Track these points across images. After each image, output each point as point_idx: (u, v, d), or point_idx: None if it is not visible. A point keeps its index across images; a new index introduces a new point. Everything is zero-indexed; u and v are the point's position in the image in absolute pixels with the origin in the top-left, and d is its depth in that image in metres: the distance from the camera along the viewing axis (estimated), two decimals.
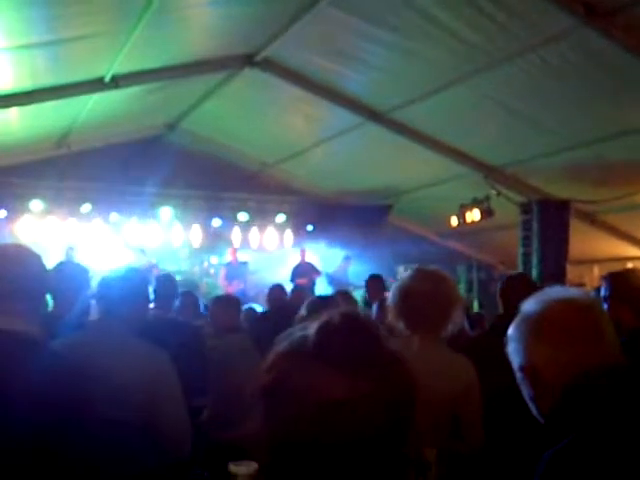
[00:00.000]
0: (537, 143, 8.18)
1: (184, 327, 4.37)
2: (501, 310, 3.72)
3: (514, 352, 1.54)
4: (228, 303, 4.86)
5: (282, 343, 0.97)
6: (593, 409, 1.36)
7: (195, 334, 4.35)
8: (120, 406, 2.42)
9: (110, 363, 2.47)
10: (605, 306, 2.99)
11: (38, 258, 2.16)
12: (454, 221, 10.29)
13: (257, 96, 8.92)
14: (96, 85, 7.39)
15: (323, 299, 3.69)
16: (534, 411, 1.53)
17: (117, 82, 7.37)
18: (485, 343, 3.08)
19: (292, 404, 0.91)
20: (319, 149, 10.16)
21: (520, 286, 3.62)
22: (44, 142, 9.70)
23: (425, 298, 2.57)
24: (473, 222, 9.96)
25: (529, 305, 1.56)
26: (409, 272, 2.76)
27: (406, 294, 2.62)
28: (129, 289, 2.76)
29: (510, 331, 1.57)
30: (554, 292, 1.57)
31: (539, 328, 1.49)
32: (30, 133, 9.00)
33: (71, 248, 9.84)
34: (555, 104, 7.21)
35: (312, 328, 0.95)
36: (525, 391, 1.53)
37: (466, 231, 10.58)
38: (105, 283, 2.79)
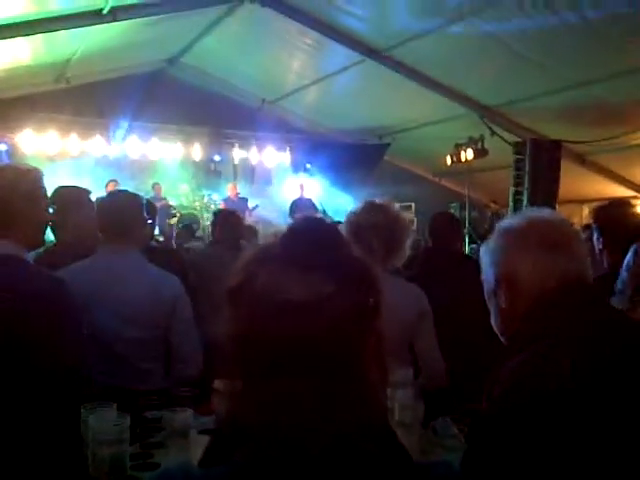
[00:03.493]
0: (534, 84, 8.28)
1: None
2: (430, 244, 4.07)
3: (491, 264, 1.53)
4: (228, 216, 4.99)
5: (250, 250, 0.98)
6: (565, 320, 1.38)
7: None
8: (135, 325, 2.54)
9: (126, 284, 2.57)
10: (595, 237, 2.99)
11: (29, 181, 2.10)
12: (449, 160, 10.51)
13: (256, 31, 8.95)
14: (94, 17, 7.29)
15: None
16: (498, 324, 1.55)
17: (115, 14, 7.29)
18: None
19: (257, 304, 0.91)
20: (318, 86, 10.24)
21: (446, 223, 4.09)
22: (42, 76, 9.71)
23: (374, 230, 2.52)
24: (467, 161, 10.17)
25: (510, 221, 1.57)
26: (360, 205, 2.68)
27: (357, 226, 2.55)
28: (133, 214, 2.73)
29: (488, 244, 1.57)
30: (532, 212, 1.61)
31: (525, 238, 1.49)
32: (28, 66, 8.98)
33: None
34: (555, 45, 7.27)
35: (279, 235, 0.97)
36: (494, 304, 1.54)
37: (460, 170, 10.78)
38: (108, 207, 2.78)
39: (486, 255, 1.56)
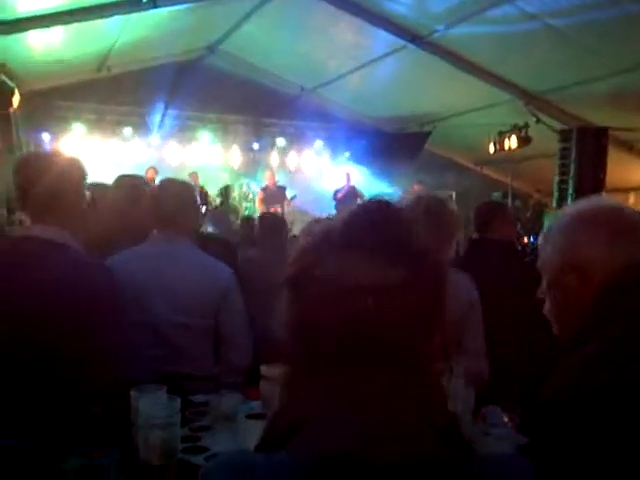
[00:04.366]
0: (581, 69, 8.05)
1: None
2: (477, 235, 3.86)
3: (556, 251, 1.47)
4: (272, 221, 4.93)
5: (304, 239, 0.93)
6: (636, 307, 1.33)
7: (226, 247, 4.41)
8: (188, 314, 2.55)
9: (178, 273, 2.58)
10: None
11: (78, 170, 2.14)
12: (491, 148, 10.31)
13: (296, 18, 8.85)
14: (134, 4, 7.29)
15: None
16: (558, 314, 1.49)
17: (155, 1, 7.26)
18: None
19: (320, 292, 0.85)
20: (358, 74, 10.13)
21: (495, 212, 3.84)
22: (84, 65, 9.78)
23: (426, 220, 2.52)
24: (510, 149, 9.96)
25: (577, 207, 1.51)
26: (410, 196, 2.66)
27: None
28: (183, 201, 2.74)
29: (552, 231, 1.51)
30: (596, 199, 1.54)
31: (595, 224, 1.43)
32: (70, 55, 9.06)
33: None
34: (603, 28, 7.04)
35: (336, 221, 0.91)
36: (556, 293, 1.48)
37: (503, 159, 10.58)
38: (161, 195, 2.77)
39: (550, 242, 1.50)
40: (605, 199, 1.57)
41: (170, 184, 3.01)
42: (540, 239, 1.55)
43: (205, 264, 2.70)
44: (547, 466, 1.22)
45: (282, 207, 11.25)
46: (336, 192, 10.95)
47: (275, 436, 0.87)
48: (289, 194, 11.61)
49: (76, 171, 2.13)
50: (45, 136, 10.51)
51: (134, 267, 2.50)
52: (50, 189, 2.03)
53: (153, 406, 1.58)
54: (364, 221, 0.89)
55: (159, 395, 1.67)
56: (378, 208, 0.92)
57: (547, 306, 1.52)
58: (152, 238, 2.71)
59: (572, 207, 1.53)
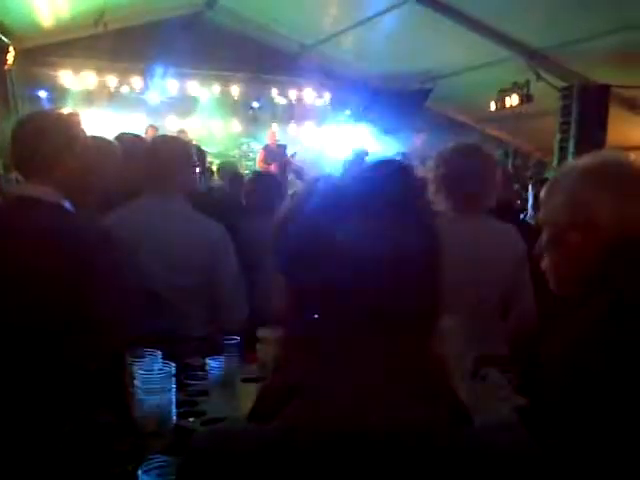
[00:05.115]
0: (584, 25, 7.88)
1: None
2: None
3: (560, 206, 1.42)
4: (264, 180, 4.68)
5: (306, 200, 0.87)
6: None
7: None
8: (181, 271, 2.53)
9: (171, 230, 2.57)
10: None
11: (74, 128, 2.08)
12: (492, 106, 10.22)
13: None
14: None
15: None
16: (560, 270, 1.46)
17: None
18: None
19: (320, 256, 0.82)
20: (358, 30, 9.98)
21: None
22: (81, 21, 9.64)
23: (470, 171, 2.48)
24: (512, 107, 9.87)
25: (583, 160, 1.46)
26: (451, 147, 2.59)
27: (450, 169, 2.50)
28: (178, 157, 2.70)
29: (556, 185, 1.47)
30: (601, 153, 1.51)
31: (603, 180, 1.39)
32: (66, 11, 8.96)
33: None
34: None
35: (345, 183, 0.88)
36: (560, 250, 1.44)
37: (504, 117, 10.48)
38: (155, 151, 2.74)
39: (553, 197, 1.45)
40: (611, 154, 1.49)
41: (165, 140, 3.00)
42: (543, 193, 1.50)
43: (197, 220, 2.69)
44: (551, 424, 1.23)
45: (282, 165, 11.19)
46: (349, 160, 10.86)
47: (269, 403, 0.87)
48: (289, 152, 11.54)
49: (72, 129, 2.08)
50: (42, 93, 10.40)
51: (128, 225, 2.47)
52: (42, 148, 2.00)
53: (148, 371, 1.60)
54: (378, 184, 0.85)
55: (155, 359, 1.68)
56: (391, 170, 0.87)
57: (546, 261, 1.49)
58: (146, 195, 2.68)
59: (577, 161, 1.48)
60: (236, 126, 12.12)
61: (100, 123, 10.01)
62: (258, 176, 5.03)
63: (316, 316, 0.84)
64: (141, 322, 2.18)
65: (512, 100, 9.78)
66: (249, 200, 4.41)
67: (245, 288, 2.73)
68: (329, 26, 10.26)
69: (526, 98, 9.59)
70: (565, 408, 1.24)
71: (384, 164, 0.88)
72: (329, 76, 12.01)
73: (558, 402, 1.25)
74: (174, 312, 2.52)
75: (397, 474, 0.78)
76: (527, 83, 9.46)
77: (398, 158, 0.93)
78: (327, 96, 12.37)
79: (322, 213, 0.85)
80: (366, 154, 10.16)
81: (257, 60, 11.10)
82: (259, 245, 3.97)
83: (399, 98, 11.43)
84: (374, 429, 0.78)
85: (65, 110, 2.17)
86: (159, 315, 2.44)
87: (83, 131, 2.12)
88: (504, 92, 9.89)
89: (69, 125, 2.09)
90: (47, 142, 2.01)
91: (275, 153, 11.41)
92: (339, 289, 0.82)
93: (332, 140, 12.16)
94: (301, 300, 0.86)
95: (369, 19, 9.48)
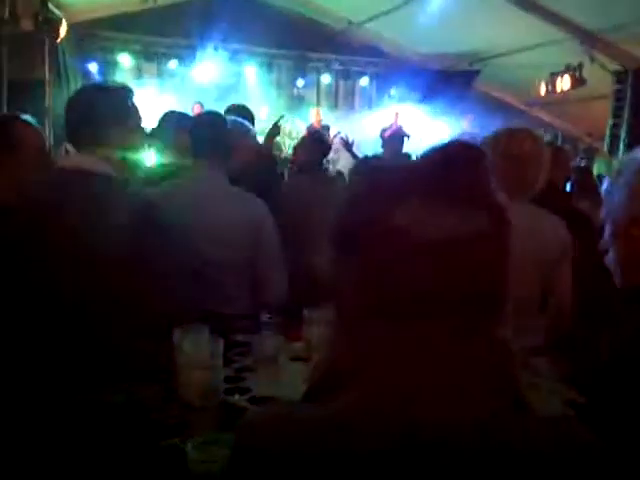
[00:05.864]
0: None
1: None
2: None
3: (623, 200, 1.38)
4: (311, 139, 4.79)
5: (358, 181, 0.88)
6: None
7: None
8: (224, 245, 2.55)
9: (214, 206, 2.59)
10: None
11: (117, 100, 2.10)
12: (543, 89, 9.98)
13: None
14: None
15: None
16: (624, 267, 1.43)
17: None
18: None
19: (387, 246, 0.79)
20: (406, 9, 9.81)
21: None
22: None
23: (521, 157, 2.41)
24: (562, 91, 9.63)
25: None
26: (501, 132, 2.52)
27: (501, 154, 2.41)
28: (215, 131, 2.72)
29: (620, 178, 1.42)
30: None
31: None
32: None
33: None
34: None
35: (404, 165, 0.86)
36: (623, 244, 1.41)
37: (554, 100, 10.25)
38: (199, 127, 2.78)
39: (617, 190, 1.40)
40: None
41: (205, 115, 3.03)
42: (606, 186, 1.47)
43: (239, 196, 2.70)
44: (613, 420, 1.19)
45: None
46: (383, 130, 10.74)
47: (321, 388, 0.85)
48: (333, 133, 11.45)
49: (111, 100, 2.09)
50: (92, 66, 10.53)
51: (172, 201, 2.45)
52: (94, 120, 2.03)
53: (196, 347, 1.60)
54: (441, 166, 0.80)
55: (202, 336, 1.68)
56: (456, 152, 0.82)
57: (610, 256, 1.46)
58: (189, 171, 2.73)
59: (638, 154, 1.43)
60: (280, 104, 12.07)
61: (148, 98, 10.17)
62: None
63: (373, 305, 0.81)
64: (188, 297, 2.21)
65: (563, 83, 9.53)
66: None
67: (287, 267, 2.73)
68: (378, 3, 10.12)
69: (578, 81, 9.34)
70: (629, 404, 1.20)
71: (459, 147, 0.83)
72: (375, 54, 11.87)
73: (622, 397, 1.21)
74: (217, 289, 2.53)
75: (460, 466, 0.76)
76: (580, 66, 9.21)
77: (465, 139, 0.85)
78: (373, 75, 12.21)
79: (386, 197, 0.81)
80: (407, 135, 10.14)
81: (303, 38, 11.01)
82: (302, 204, 3.95)
83: (446, 79, 11.26)
84: (438, 421, 0.77)
85: (112, 84, 2.21)
86: (202, 292, 2.46)
87: (129, 105, 2.14)
88: (555, 75, 9.65)
89: (113, 98, 2.11)
90: (98, 114, 2.03)
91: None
92: (397, 273, 0.79)
93: (377, 120, 12.03)
94: (360, 290, 0.83)
95: None
